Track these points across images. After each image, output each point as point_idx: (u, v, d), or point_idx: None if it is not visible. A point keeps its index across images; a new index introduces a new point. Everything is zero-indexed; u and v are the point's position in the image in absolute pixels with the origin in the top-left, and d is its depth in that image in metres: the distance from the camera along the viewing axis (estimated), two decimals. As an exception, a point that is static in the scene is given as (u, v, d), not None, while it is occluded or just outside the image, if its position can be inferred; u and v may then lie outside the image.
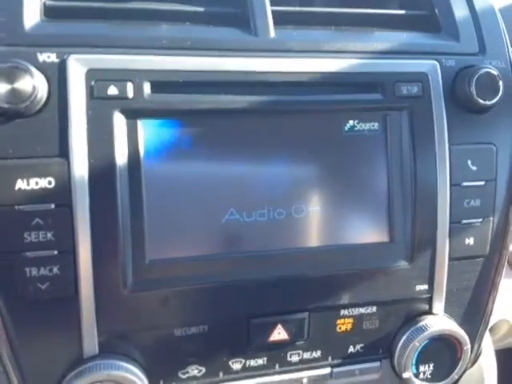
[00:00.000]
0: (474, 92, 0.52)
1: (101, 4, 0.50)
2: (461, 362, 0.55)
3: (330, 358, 0.53)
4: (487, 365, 0.63)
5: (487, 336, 0.62)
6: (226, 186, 0.49)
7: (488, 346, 0.63)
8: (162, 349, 0.48)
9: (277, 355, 0.51)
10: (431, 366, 0.54)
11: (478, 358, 0.59)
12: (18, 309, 0.45)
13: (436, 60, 0.54)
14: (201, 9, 0.52)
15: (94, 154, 0.45)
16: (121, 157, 0.45)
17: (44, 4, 0.49)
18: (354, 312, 0.52)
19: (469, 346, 0.54)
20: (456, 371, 0.55)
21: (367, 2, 0.58)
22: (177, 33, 0.49)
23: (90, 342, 0.46)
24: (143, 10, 0.51)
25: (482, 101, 0.52)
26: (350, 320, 0.53)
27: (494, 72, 0.53)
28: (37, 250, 0.44)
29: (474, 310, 0.56)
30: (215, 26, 0.51)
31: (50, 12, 0.48)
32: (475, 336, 0.57)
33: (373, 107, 0.52)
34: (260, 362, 0.51)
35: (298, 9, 0.55)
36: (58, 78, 0.45)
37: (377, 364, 0.55)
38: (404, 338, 0.53)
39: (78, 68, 0.45)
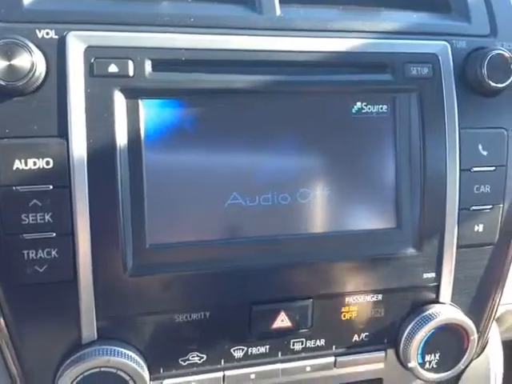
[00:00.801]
0: (486, 74, 0.50)
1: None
2: (467, 352, 0.54)
3: (333, 347, 0.52)
4: (493, 355, 0.62)
5: (494, 326, 0.61)
6: (228, 170, 0.48)
7: (495, 337, 0.62)
8: (163, 335, 0.47)
9: (279, 343, 0.50)
10: (437, 355, 0.53)
11: (484, 347, 0.58)
12: (15, 292, 0.44)
13: (446, 41, 0.52)
14: None
15: (93, 134, 0.43)
16: (121, 137, 0.44)
17: (43, -21, 0.47)
18: (360, 300, 0.51)
19: (476, 335, 0.53)
20: (462, 361, 0.54)
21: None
22: (179, 9, 0.47)
23: (89, 327, 0.45)
24: None
25: (493, 83, 0.51)
26: (355, 308, 0.51)
27: (506, 54, 0.51)
28: (35, 232, 0.43)
29: (481, 299, 0.55)
30: (219, 2, 0.49)
31: None
32: (482, 325, 0.56)
33: (381, 88, 0.50)
34: (262, 349, 0.50)
35: (304, -14, 0.53)
36: (56, 55, 0.43)
37: (382, 353, 0.53)
38: (410, 327, 0.52)
39: (77, 45, 0.43)
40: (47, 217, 0.43)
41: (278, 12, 0.49)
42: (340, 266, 0.50)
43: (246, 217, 0.48)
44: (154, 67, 0.45)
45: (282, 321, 0.49)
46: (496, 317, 0.59)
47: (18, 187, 0.42)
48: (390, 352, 0.54)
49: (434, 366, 0.53)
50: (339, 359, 0.52)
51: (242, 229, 0.48)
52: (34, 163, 0.42)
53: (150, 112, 0.45)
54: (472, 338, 0.53)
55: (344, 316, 0.51)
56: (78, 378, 0.44)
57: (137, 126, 0.45)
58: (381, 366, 0.54)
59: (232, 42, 0.47)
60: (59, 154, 0.43)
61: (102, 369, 0.44)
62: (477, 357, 0.58)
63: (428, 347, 0.52)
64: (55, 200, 0.43)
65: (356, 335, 0.52)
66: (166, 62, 0.45)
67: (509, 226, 0.54)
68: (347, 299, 0.51)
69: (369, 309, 0.52)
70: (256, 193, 0.48)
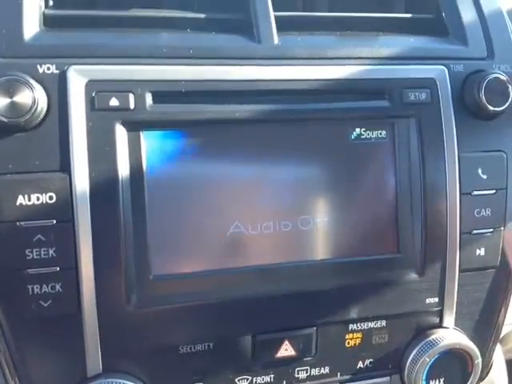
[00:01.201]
0: (484, 98, 0.51)
1: (100, 12, 0.49)
2: (472, 376, 0.53)
3: (338, 374, 0.52)
4: (498, 377, 0.62)
5: (498, 347, 0.61)
6: (230, 198, 0.48)
7: (498, 358, 0.62)
8: (167, 366, 0.47)
9: (284, 372, 0.50)
10: (442, 380, 0.52)
11: (489, 371, 0.58)
12: (20, 326, 0.44)
13: (444, 65, 0.52)
14: (202, 15, 0.51)
15: (95, 168, 0.44)
16: (123, 170, 0.44)
17: (43, 13, 0.48)
18: (363, 326, 0.51)
19: (480, 359, 0.53)
20: (467, 385, 0.54)
21: (372, 6, 0.57)
22: (178, 41, 0.48)
23: (94, 360, 0.45)
24: (143, 18, 0.50)
25: (491, 107, 0.51)
26: (359, 335, 0.51)
27: (504, 77, 0.52)
28: (39, 267, 0.43)
29: (484, 323, 0.55)
30: (217, 32, 0.50)
31: (49, 21, 0.47)
32: (486, 349, 0.56)
33: (380, 115, 0.51)
34: (267, 378, 0.50)
35: (301, 14, 0.54)
36: (58, 89, 0.44)
37: (386, 379, 0.53)
38: (414, 352, 0.51)
39: (78, 79, 0.44)
40: (51, 251, 0.43)
41: (276, 41, 0.49)
42: (343, 292, 0.50)
43: (248, 245, 0.48)
44: (155, 99, 0.45)
45: (286, 350, 0.49)
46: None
47: (22, 222, 0.42)
48: (395, 377, 0.54)
49: (440, 390, 0.53)
50: (344, 386, 0.52)
51: (245, 257, 0.48)
52: (38, 198, 0.43)
53: (151, 143, 0.46)
54: (476, 361, 0.53)
55: (348, 343, 0.51)
56: (84, 411, 0.44)
57: (138, 158, 0.45)
58: (386, 391, 0.54)
59: (231, 72, 0.47)
60: (62, 188, 0.43)
61: (108, 402, 0.44)
62: (482, 380, 0.58)
63: (433, 372, 0.52)
64: (59, 234, 0.43)
65: (360, 362, 0.52)
66: (167, 93, 0.45)
67: (511, 248, 0.54)
68: (351, 326, 0.51)
69: (373, 335, 0.52)
70: (258, 221, 0.48)
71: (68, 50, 0.45)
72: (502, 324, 0.56)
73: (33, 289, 0.43)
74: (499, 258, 0.53)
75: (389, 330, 0.52)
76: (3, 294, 0.43)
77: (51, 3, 0.49)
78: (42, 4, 0.48)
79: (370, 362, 0.52)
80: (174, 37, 0.48)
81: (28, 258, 0.43)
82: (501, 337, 0.59)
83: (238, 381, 0.49)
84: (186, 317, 0.47)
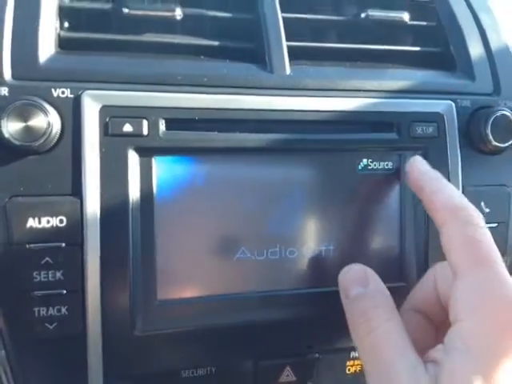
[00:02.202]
0: (490, 134, 0.52)
1: (115, 36, 0.50)
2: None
3: (339, 401, 0.53)
4: None
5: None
6: (237, 225, 0.48)
7: None
8: None
9: None
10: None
11: None
12: (23, 348, 0.44)
13: (451, 100, 0.53)
14: (216, 43, 0.51)
15: (106, 193, 0.44)
16: (133, 195, 0.45)
17: (59, 35, 0.48)
18: (364, 354, 0.52)
19: None
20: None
21: (381, 37, 0.58)
22: (192, 69, 0.48)
23: (96, 382, 0.45)
24: (158, 44, 0.50)
25: (496, 143, 0.52)
26: (360, 362, 0.52)
27: (510, 114, 0.53)
28: (46, 290, 0.43)
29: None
30: (231, 61, 0.50)
31: (64, 44, 0.48)
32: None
33: (388, 147, 0.51)
34: (268, 404, 0.51)
35: (313, 44, 0.54)
36: (72, 114, 0.44)
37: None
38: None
39: (92, 104, 0.44)
40: (58, 274, 0.43)
41: (288, 71, 0.50)
42: (346, 321, 0.50)
43: (253, 271, 0.49)
44: (168, 126, 0.46)
45: (288, 375, 0.50)
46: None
47: (31, 245, 0.43)
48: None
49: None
50: (344, 412, 0.53)
51: (250, 283, 0.49)
52: (48, 221, 0.43)
53: (162, 169, 0.46)
54: None
55: (349, 370, 0.52)
56: None
57: (149, 183, 0.46)
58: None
59: (244, 101, 0.48)
60: (73, 212, 0.43)
61: (110, 427, 0.44)
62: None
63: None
64: (67, 257, 0.43)
65: (361, 388, 0.53)
66: (180, 121, 0.46)
67: None
68: (352, 353, 0.52)
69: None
70: (264, 247, 0.49)
71: (83, 74, 0.45)
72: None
73: (39, 311, 0.43)
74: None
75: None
76: (9, 316, 0.43)
77: (66, 25, 0.50)
78: (58, 26, 0.48)
79: None
80: (189, 64, 0.48)
81: (35, 280, 0.43)
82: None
83: (240, 406, 0.50)
84: (190, 341, 0.47)
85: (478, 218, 0.41)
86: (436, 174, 0.45)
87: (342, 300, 0.45)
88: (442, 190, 0.43)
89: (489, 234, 0.40)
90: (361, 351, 0.41)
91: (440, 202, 0.42)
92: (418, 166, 0.47)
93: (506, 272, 0.39)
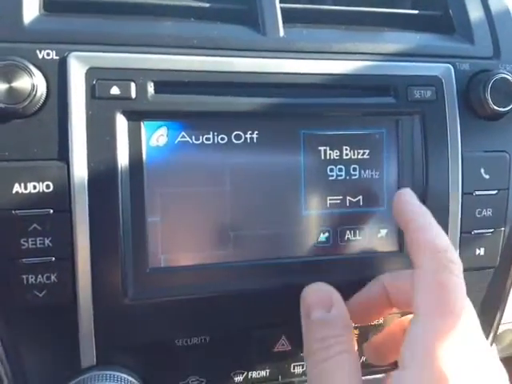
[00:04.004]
0: (489, 98, 0.50)
1: (103, -3, 0.48)
2: (467, 375, 0.54)
3: (334, 370, 0.52)
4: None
5: (493, 347, 0.61)
6: (230, 192, 0.47)
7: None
8: (162, 360, 0.47)
9: (280, 367, 0.50)
10: (438, 378, 0.53)
11: (484, 370, 0.58)
12: (13, 316, 0.43)
13: (450, 63, 0.52)
14: (206, 4, 0.50)
15: (94, 158, 0.43)
16: (122, 160, 0.44)
17: (44, -3, 0.46)
18: (361, 322, 0.51)
19: (476, 358, 0.53)
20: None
21: (379, 1, 0.56)
22: (182, 30, 0.47)
23: (88, 352, 0.44)
24: (147, 5, 0.49)
25: (496, 107, 0.51)
26: (356, 331, 0.51)
27: (510, 78, 0.51)
28: (34, 257, 0.42)
29: (481, 322, 0.54)
30: (222, 23, 0.49)
31: (49, 6, 0.46)
32: (482, 348, 0.56)
33: (384, 111, 0.50)
34: (263, 373, 0.50)
35: (307, 6, 0.53)
36: (57, 76, 0.43)
37: (383, 376, 0.53)
38: (411, 349, 0.51)
39: (78, 66, 0.43)
40: (47, 241, 0.42)
41: (282, 33, 0.48)
42: (341, 289, 0.49)
43: (246, 240, 0.48)
44: (157, 89, 0.44)
45: (283, 345, 0.49)
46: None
47: (18, 211, 0.42)
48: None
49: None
50: (339, 381, 0.52)
51: (243, 252, 0.48)
52: (34, 187, 0.42)
53: (152, 134, 0.45)
54: (472, 360, 0.53)
55: (345, 338, 0.51)
56: (77, 404, 0.43)
57: (138, 148, 0.44)
58: (382, 385, 0.54)
59: (235, 63, 0.46)
60: (60, 177, 0.42)
61: (102, 395, 0.44)
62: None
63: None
64: (55, 224, 0.42)
65: (357, 358, 0.52)
66: (169, 84, 0.45)
67: (510, 249, 0.54)
68: (348, 322, 0.51)
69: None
70: (257, 216, 0.48)
71: (69, 35, 0.44)
72: (499, 324, 0.56)
73: (27, 279, 0.42)
74: (498, 259, 0.53)
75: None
76: (-3, 283, 0.42)
77: (52, -13, 0.48)
78: (43, -13, 0.47)
79: (366, 359, 0.52)
80: (178, 26, 0.47)
81: (23, 247, 0.42)
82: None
83: (234, 375, 0.49)
84: (182, 310, 0.46)
85: (457, 265, 0.39)
86: (423, 210, 0.43)
87: (301, 316, 0.43)
88: (427, 230, 0.41)
89: (463, 284, 0.39)
90: (309, 373, 0.40)
91: (423, 242, 0.40)
92: (407, 199, 0.45)
93: (469, 324, 0.38)
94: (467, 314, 0.38)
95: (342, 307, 0.42)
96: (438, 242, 0.40)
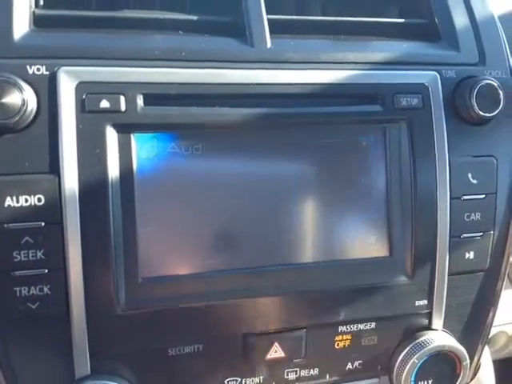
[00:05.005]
0: (475, 104, 0.51)
1: (91, 13, 0.49)
2: (460, 378, 0.54)
3: (327, 376, 0.52)
4: (485, 378, 0.62)
5: (485, 349, 0.62)
6: (219, 202, 0.48)
7: (486, 359, 0.63)
8: (156, 368, 0.47)
9: (274, 373, 0.50)
10: (430, 382, 0.53)
11: (477, 372, 0.59)
12: (8, 328, 0.44)
13: (436, 71, 0.52)
14: (194, 17, 0.50)
15: (85, 170, 0.43)
16: (113, 172, 0.44)
17: (33, 13, 0.47)
18: (353, 328, 0.51)
19: (468, 361, 0.54)
20: (455, 387, 0.55)
21: (365, 10, 0.57)
22: (170, 43, 0.47)
23: (82, 362, 0.45)
24: (135, 19, 0.49)
25: (482, 113, 0.51)
26: (349, 336, 0.52)
27: (495, 83, 0.52)
28: (27, 269, 0.43)
29: (473, 325, 0.55)
30: (210, 35, 0.49)
31: (39, 21, 0.47)
32: (474, 351, 0.56)
33: (372, 119, 0.51)
34: (256, 380, 0.50)
35: (294, 17, 0.53)
36: (47, 91, 0.43)
37: (375, 381, 0.54)
38: (403, 354, 0.52)
39: (68, 81, 0.43)
40: (39, 253, 0.43)
41: (269, 44, 0.49)
42: (333, 295, 0.50)
43: (236, 247, 0.48)
44: (146, 102, 0.45)
45: (276, 352, 0.49)
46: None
47: (10, 224, 0.42)
48: (384, 379, 0.54)
49: (427, 392, 0.54)
50: (333, 387, 0.53)
51: (233, 260, 0.48)
52: (26, 200, 0.42)
53: (141, 146, 0.46)
54: (464, 363, 0.53)
55: (337, 345, 0.52)
56: (72, 414, 0.44)
57: (129, 160, 0.45)
58: (374, 392, 0.55)
59: (223, 75, 0.47)
60: (51, 190, 0.43)
61: (96, 405, 0.44)
62: (470, 381, 0.58)
63: (421, 374, 0.52)
64: (47, 237, 0.43)
65: (350, 363, 0.53)
66: (158, 96, 0.45)
67: (499, 252, 0.54)
68: (340, 328, 0.51)
69: (362, 337, 0.52)
70: (247, 223, 0.48)
71: (58, 50, 0.45)
72: (491, 326, 0.57)
73: (20, 291, 0.43)
74: (488, 262, 0.54)
75: (378, 332, 0.52)
76: (-9, 296, 0.43)
77: (42, 3, 0.49)
78: (33, 4, 0.47)
79: (359, 364, 0.53)
80: (167, 39, 0.48)
81: (16, 260, 0.42)
82: (489, 337, 0.60)
83: (228, 382, 0.49)
84: (175, 319, 0.47)
85: None
86: None
87: None
88: None
89: None
90: None
91: None
92: None
93: None
94: None
95: None
96: None
